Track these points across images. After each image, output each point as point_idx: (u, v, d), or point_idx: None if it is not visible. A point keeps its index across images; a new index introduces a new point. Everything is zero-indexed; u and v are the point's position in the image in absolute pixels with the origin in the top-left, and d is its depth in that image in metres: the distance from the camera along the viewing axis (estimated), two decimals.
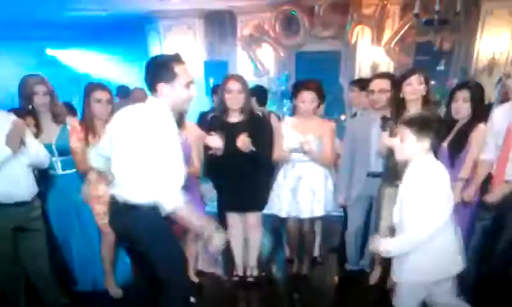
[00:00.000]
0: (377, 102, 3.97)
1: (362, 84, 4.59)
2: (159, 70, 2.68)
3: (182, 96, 2.70)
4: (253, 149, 3.72)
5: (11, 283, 3.39)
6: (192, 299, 3.82)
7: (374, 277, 4.24)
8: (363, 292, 4.17)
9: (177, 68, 2.66)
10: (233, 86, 3.81)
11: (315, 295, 4.20)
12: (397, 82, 3.88)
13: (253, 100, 4.35)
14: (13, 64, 9.60)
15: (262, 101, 5.08)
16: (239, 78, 3.92)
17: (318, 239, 4.76)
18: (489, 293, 3.46)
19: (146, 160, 2.57)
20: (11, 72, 7.53)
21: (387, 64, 8.17)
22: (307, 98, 3.86)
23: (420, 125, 2.62)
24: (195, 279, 4.29)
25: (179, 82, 2.66)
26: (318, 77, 7.30)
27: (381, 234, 3.94)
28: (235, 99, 3.80)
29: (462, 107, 3.49)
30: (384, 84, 3.93)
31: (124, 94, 6.51)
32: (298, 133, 3.85)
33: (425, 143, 2.61)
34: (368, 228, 4.24)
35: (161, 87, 2.66)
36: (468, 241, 3.48)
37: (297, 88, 4.00)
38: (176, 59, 2.71)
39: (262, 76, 8.82)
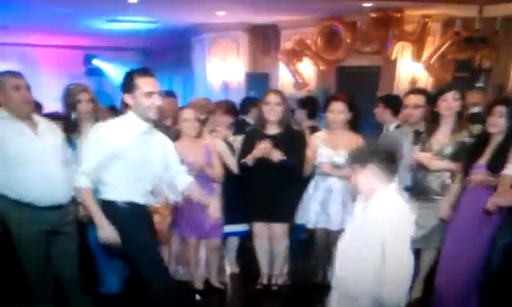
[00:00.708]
0: (410, 117, 4.08)
1: (387, 101, 4.71)
2: (124, 82, 2.99)
3: (143, 104, 2.91)
4: (283, 159, 3.86)
5: (41, 287, 3.41)
6: (197, 297, 4.16)
7: None
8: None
9: (138, 80, 2.90)
10: (272, 98, 4.01)
11: None
12: (432, 97, 3.99)
13: (303, 113, 4.41)
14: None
15: (312, 113, 5.13)
16: (278, 92, 4.15)
17: None
18: None
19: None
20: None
21: (426, 80, 8.17)
22: (336, 108, 3.95)
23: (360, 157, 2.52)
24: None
25: (139, 92, 2.90)
26: (357, 92, 7.49)
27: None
28: (273, 111, 3.99)
29: (498, 121, 3.50)
30: (419, 99, 4.04)
31: None
32: (329, 147, 3.96)
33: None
34: None
35: (125, 97, 2.98)
36: (489, 259, 3.54)
37: (328, 100, 4.15)
38: (139, 72, 2.97)
39: (302, 88, 8.93)
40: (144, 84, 2.91)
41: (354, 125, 4.19)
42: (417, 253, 4.09)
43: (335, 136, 4.00)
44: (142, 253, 3.07)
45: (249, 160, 3.95)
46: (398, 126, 4.58)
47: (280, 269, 4.42)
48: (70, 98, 3.77)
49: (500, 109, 3.47)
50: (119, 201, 3.01)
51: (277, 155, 3.86)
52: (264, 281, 4.41)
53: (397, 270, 2.33)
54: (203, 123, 4.26)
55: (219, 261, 4.55)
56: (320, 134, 4.17)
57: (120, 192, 3.02)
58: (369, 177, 2.45)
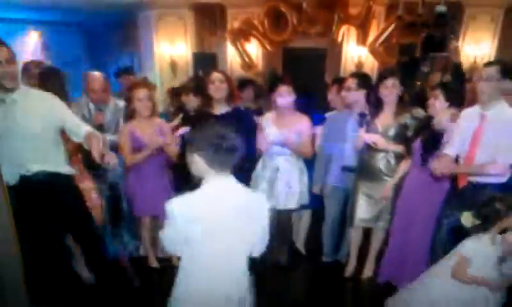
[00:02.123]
0: (345, 98, 4.22)
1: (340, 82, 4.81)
2: None
3: None
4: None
5: None
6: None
7: (349, 270, 4.40)
8: (337, 284, 4.31)
9: None
10: (216, 76, 4.03)
11: (289, 286, 4.34)
12: (371, 82, 4.14)
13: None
14: None
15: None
16: (221, 71, 4.21)
17: (304, 232, 4.86)
18: None
19: None
20: None
21: (372, 64, 8.35)
22: (283, 90, 4.05)
23: None
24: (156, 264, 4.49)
25: None
26: (304, 74, 7.56)
27: (356, 225, 4.17)
28: (218, 89, 4.00)
29: (434, 103, 3.69)
30: (351, 82, 4.16)
31: None
32: (277, 128, 4.05)
33: None
34: (345, 222, 4.41)
35: None
36: (435, 239, 3.71)
37: (275, 83, 4.21)
38: None
39: (250, 69, 8.95)
40: None
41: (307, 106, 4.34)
42: (367, 233, 4.26)
43: (283, 117, 4.09)
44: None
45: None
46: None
47: None
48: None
49: (436, 92, 3.68)
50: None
51: None
52: None
53: None
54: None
55: None
56: (269, 116, 4.25)
57: None
58: None
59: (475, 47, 8.04)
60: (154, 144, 3.90)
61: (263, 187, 4.12)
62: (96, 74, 4.34)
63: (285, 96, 4.04)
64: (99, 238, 3.83)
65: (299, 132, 4.04)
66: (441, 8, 4.67)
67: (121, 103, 4.41)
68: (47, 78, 4.05)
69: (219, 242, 2.22)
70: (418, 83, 6.45)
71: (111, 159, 3.08)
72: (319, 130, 4.40)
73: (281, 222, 4.26)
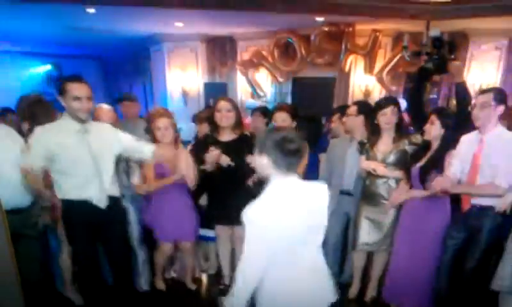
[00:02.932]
0: (346, 125, 4.36)
1: (342, 111, 4.96)
2: (57, 86, 3.41)
3: (72, 106, 3.31)
4: (231, 164, 3.99)
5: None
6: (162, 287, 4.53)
7: (352, 292, 4.46)
8: (342, 305, 4.29)
9: (68, 85, 3.30)
10: (223, 105, 4.12)
11: None
12: (370, 109, 4.25)
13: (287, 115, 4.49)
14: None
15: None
16: (229, 99, 4.27)
17: None
18: None
19: None
20: None
21: (379, 92, 8.48)
22: (279, 117, 4.23)
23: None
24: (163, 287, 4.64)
25: (68, 96, 3.29)
26: (313, 102, 7.68)
27: (359, 248, 4.25)
28: (224, 117, 4.11)
29: (430, 129, 3.78)
30: (353, 110, 4.30)
31: None
32: None
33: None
34: (347, 244, 4.50)
35: (59, 99, 3.36)
36: (440, 259, 3.79)
37: (273, 111, 4.47)
38: (70, 78, 3.37)
39: (259, 98, 9.13)
40: (73, 89, 3.30)
41: (314, 133, 4.50)
42: (369, 254, 4.33)
43: None
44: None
45: (206, 166, 4.04)
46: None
47: None
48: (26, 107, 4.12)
49: (432, 118, 3.77)
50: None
51: (225, 161, 3.99)
52: (226, 282, 4.54)
53: None
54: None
55: (192, 263, 4.72)
56: None
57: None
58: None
59: (480, 74, 8.17)
60: (178, 175, 4.01)
61: None
62: (104, 107, 4.43)
63: (279, 122, 4.22)
64: (130, 260, 4.16)
65: None
66: (436, 31, 4.79)
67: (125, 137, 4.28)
68: (35, 108, 4.12)
69: (301, 243, 2.41)
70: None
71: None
72: (323, 157, 4.53)
73: None
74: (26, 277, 3.44)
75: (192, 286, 4.68)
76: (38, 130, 3.32)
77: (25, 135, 3.77)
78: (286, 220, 2.28)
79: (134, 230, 4.35)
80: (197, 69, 9.71)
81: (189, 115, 5.92)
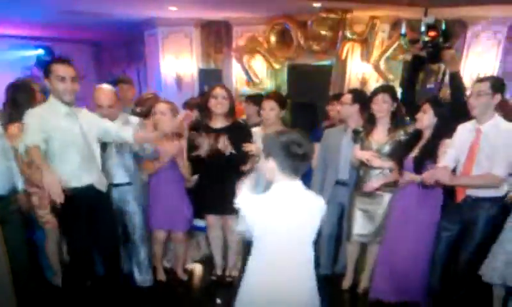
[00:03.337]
0: (340, 114, 4.32)
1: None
2: (44, 68, 3.45)
3: (57, 88, 3.35)
4: (233, 152, 3.98)
5: None
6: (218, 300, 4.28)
7: (346, 283, 4.46)
8: (335, 296, 4.35)
9: (53, 66, 3.36)
10: (219, 92, 4.12)
11: None
12: (365, 97, 4.20)
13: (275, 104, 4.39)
14: None
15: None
16: (224, 87, 4.27)
17: None
18: (454, 301, 3.69)
19: None
20: None
21: (376, 80, 8.39)
22: (266, 106, 4.24)
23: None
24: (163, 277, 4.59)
25: (53, 77, 3.34)
26: (309, 89, 7.61)
27: (352, 241, 4.20)
28: (219, 104, 4.07)
29: (423, 118, 3.74)
30: (347, 98, 4.25)
31: None
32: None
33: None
34: (341, 234, 4.48)
35: (46, 82, 3.41)
36: (434, 253, 3.74)
37: (261, 99, 4.50)
38: (55, 60, 3.48)
39: (254, 85, 9.01)
40: (58, 69, 3.35)
41: (310, 120, 4.44)
42: (363, 245, 4.31)
43: (269, 131, 4.10)
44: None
45: (202, 152, 4.02)
46: None
47: (233, 261, 4.52)
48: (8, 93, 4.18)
49: (425, 107, 3.73)
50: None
51: (229, 149, 3.98)
52: (218, 272, 4.54)
53: None
54: (145, 116, 4.39)
55: (184, 253, 4.71)
56: (257, 130, 4.36)
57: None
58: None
59: (478, 63, 8.08)
60: (169, 153, 4.09)
61: None
62: (105, 88, 4.08)
63: (266, 110, 4.22)
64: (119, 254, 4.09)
65: None
66: (430, 19, 4.69)
67: (134, 119, 4.22)
68: (16, 94, 4.13)
69: (283, 241, 2.36)
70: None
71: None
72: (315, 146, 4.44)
73: None
74: (14, 265, 3.51)
75: (184, 277, 4.66)
76: (31, 111, 3.32)
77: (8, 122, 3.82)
78: (274, 223, 2.31)
79: (137, 227, 4.26)
80: (191, 55, 9.58)
81: (183, 101, 5.83)
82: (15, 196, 3.64)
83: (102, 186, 3.60)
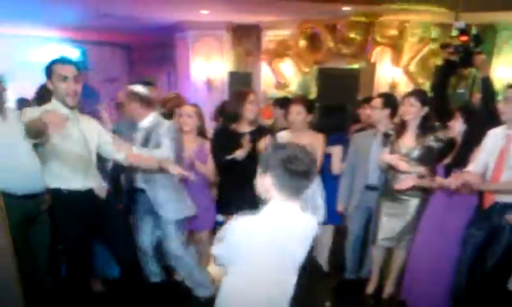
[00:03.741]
0: (369, 117, 4.31)
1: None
2: (45, 70, 3.25)
3: (59, 88, 3.20)
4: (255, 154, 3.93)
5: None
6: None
7: (370, 288, 4.41)
8: (359, 301, 4.35)
9: (55, 66, 3.20)
10: (254, 98, 4.15)
11: (312, 302, 4.31)
12: (396, 102, 4.21)
13: (280, 112, 4.38)
14: None
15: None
16: (256, 92, 4.34)
17: (326, 248, 4.87)
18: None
19: None
20: None
21: (405, 84, 8.36)
22: (293, 110, 4.19)
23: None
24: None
25: (55, 77, 3.19)
26: (338, 93, 7.62)
27: (379, 244, 4.20)
28: (252, 110, 4.11)
29: (454, 125, 3.72)
30: (377, 102, 4.23)
31: None
32: None
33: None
34: (367, 239, 4.45)
35: (47, 83, 3.26)
36: (460, 259, 3.69)
37: (288, 103, 4.46)
38: (57, 60, 3.25)
39: (283, 89, 9.08)
40: (60, 69, 3.19)
41: (339, 123, 4.51)
42: (389, 250, 4.29)
43: (296, 136, 4.14)
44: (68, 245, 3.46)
45: (239, 155, 4.01)
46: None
47: None
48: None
49: (456, 114, 3.71)
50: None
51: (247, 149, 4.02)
52: None
53: None
54: (169, 117, 4.33)
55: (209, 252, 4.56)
56: (283, 134, 4.34)
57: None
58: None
59: (507, 69, 7.99)
60: (188, 159, 4.02)
61: None
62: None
63: (293, 114, 4.19)
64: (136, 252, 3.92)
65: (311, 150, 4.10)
66: (461, 24, 4.65)
67: (166, 122, 3.93)
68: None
69: (266, 266, 2.09)
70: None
71: (175, 170, 3.42)
72: (336, 149, 4.47)
73: None
74: (37, 264, 3.49)
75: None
76: (31, 110, 3.23)
77: None
78: (261, 245, 2.05)
79: None
80: (222, 58, 9.66)
81: (213, 104, 5.88)
82: (46, 195, 3.43)
83: (101, 193, 3.45)
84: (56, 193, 3.30)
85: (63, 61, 3.28)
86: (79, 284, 3.56)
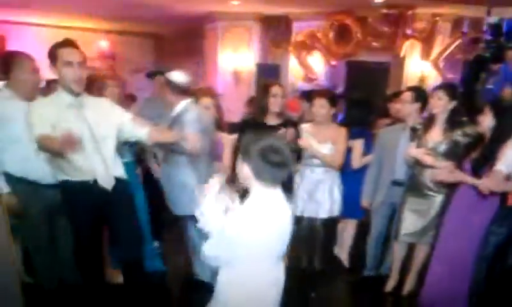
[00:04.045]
0: (399, 111, 4.32)
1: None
2: (48, 54, 3.06)
3: (64, 74, 3.03)
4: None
5: (48, 269, 3.56)
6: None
7: (390, 285, 4.40)
8: (377, 298, 4.33)
9: (59, 51, 3.01)
10: (279, 91, 4.13)
11: (328, 299, 4.33)
12: (426, 96, 4.14)
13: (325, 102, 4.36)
14: None
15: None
16: (282, 85, 4.28)
17: (348, 243, 4.90)
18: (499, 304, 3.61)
19: None
20: None
21: (434, 78, 8.26)
22: (317, 103, 4.17)
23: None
24: None
25: (59, 62, 3.01)
26: (366, 86, 7.58)
27: (401, 239, 4.17)
28: (277, 103, 4.12)
29: (483, 120, 3.63)
30: (407, 96, 4.21)
31: None
32: (314, 140, 4.15)
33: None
34: (389, 236, 4.43)
35: (51, 68, 3.07)
36: (479, 256, 3.64)
37: (312, 96, 4.43)
38: (61, 43, 3.05)
39: (311, 81, 9.06)
40: (65, 54, 3.02)
41: (364, 116, 4.54)
42: (411, 247, 4.26)
43: (319, 129, 4.18)
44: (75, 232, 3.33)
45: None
46: None
47: None
48: None
49: (486, 109, 3.62)
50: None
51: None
52: None
53: None
54: None
55: None
56: (306, 126, 4.33)
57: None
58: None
59: None
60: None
61: (302, 197, 4.21)
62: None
63: (317, 107, 4.17)
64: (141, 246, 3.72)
65: (334, 144, 4.12)
66: (493, 19, 4.58)
67: (193, 111, 3.81)
68: None
69: (260, 253, 2.17)
70: None
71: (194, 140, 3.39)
72: (357, 144, 4.46)
73: (321, 230, 4.33)
74: (62, 254, 3.60)
75: None
76: (35, 105, 3.13)
77: None
78: (251, 235, 2.09)
79: None
80: (250, 49, 9.67)
81: (240, 95, 5.90)
82: None
83: (106, 184, 3.18)
84: (64, 185, 3.19)
85: (68, 44, 3.07)
86: (92, 275, 3.48)
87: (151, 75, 4.41)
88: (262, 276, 2.20)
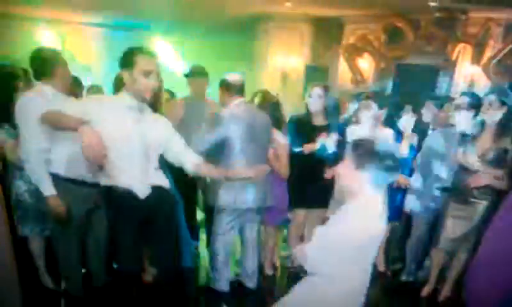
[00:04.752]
0: (450, 117, 4.30)
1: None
2: (123, 57, 2.90)
3: (139, 83, 2.85)
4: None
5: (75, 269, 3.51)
6: None
7: (426, 290, 4.38)
8: (413, 304, 4.32)
9: (138, 57, 2.83)
10: (316, 91, 4.23)
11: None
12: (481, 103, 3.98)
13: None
14: None
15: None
16: (322, 86, 4.32)
17: (382, 247, 4.79)
18: None
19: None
20: None
21: (484, 84, 8.14)
22: (363, 106, 4.29)
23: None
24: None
25: (137, 70, 2.83)
26: (415, 90, 7.55)
27: (441, 246, 4.14)
28: (315, 103, 4.24)
29: None
30: (462, 100, 4.11)
31: None
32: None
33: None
34: (430, 242, 4.37)
35: (123, 74, 2.90)
36: None
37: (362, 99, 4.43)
38: (140, 50, 2.89)
39: (359, 84, 9.11)
40: (143, 62, 2.86)
41: None
42: (451, 254, 4.24)
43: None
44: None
45: (307, 149, 4.16)
46: None
47: None
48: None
49: None
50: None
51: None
52: (295, 264, 4.56)
53: None
54: None
55: (274, 248, 4.75)
56: (352, 128, 4.37)
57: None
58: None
59: None
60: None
61: None
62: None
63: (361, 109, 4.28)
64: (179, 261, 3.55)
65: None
66: None
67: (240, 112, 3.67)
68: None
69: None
70: None
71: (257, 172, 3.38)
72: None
73: None
74: (93, 252, 3.62)
75: (270, 271, 4.68)
76: (94, 96, 3.14)
77: None
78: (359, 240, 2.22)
79: None
80: (301, 51, 9.76)
81: (289, 97, 5.96)
82: None
83: (140, 193, 3.00)
84: (108, 189, 3.03)
85: (148, 53, 2.93)
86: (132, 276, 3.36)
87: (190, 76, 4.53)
88: (353, 280, 2.32)
